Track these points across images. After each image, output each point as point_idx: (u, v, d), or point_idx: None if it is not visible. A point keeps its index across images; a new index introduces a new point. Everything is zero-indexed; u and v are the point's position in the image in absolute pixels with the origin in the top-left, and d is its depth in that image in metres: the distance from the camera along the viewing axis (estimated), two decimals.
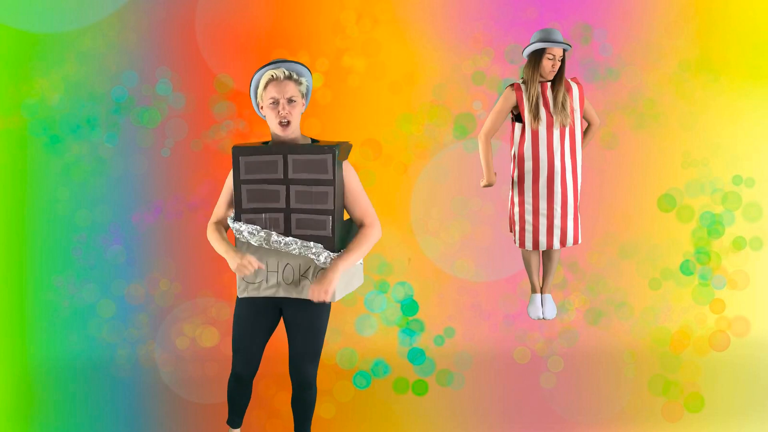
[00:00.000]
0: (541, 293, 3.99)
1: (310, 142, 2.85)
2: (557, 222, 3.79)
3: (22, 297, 4.24)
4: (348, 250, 2.80)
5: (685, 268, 4.41)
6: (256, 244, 2.78)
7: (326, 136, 4.37)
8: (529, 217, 3.80)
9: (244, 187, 2.78)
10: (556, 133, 3.74)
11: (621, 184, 4.45)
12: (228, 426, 3.18)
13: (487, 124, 3.85)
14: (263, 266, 2.78)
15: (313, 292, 2.72)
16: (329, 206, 2.77)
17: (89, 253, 4.28)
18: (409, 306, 4.31)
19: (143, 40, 4.24)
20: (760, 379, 3.93)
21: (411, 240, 4.47)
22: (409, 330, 4.29)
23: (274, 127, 2.75)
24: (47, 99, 4.17)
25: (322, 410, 3.66)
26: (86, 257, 4.28)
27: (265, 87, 2.74)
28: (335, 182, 2.74)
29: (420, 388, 3.85)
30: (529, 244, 3.83)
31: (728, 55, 4.43)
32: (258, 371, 3.02)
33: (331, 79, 4.35)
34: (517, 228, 3.85)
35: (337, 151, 2.74)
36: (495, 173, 3.88)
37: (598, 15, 4.38)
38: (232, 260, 2.73)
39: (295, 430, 3.15)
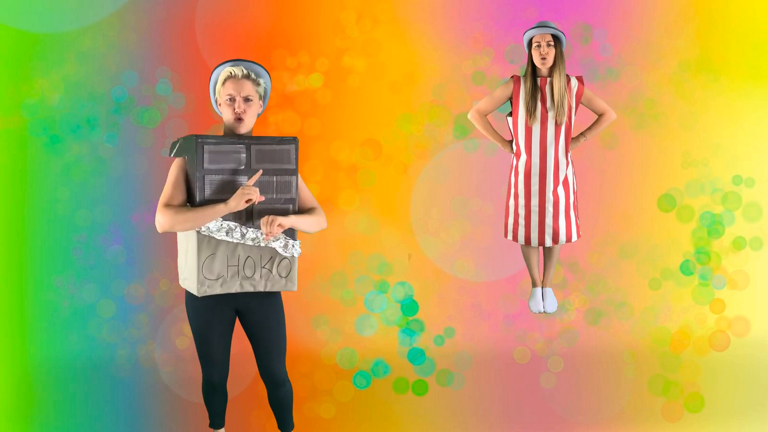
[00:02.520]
0: (542, 287, 3.99)
1: (264, 137, 2.88)
2: (548, 220, 3.76)
3: (22, 297, 4.24)
4: (302, 215, 2.83)
5: (685, 268, 4.41)
6: (218, 237, 2.75)
7: (326, 136, 4.39)
8: (521, 212, 3.78)
9: (207, 178, 2.74)
10: (551, 129, 3.71)
11: (621, 184, 4.45)
12: (211, 429, 3.17)
13: (480, 103, 3.84)
14: (260, 197, 2.73)
15: (266, 226, 2.70)
16: (293, 195, 2.82)
17: (89, 253, 4.28)
18: (409, 306, 4.31)
19: (143, 40, 4.24)
20: (760, 379, 3.93)
21: (411, 240, 4.47)
22: (409, 330, 4.29)
23: (230, 122, 2.76)
24: (47, 99, 4.18)
25: (322, 410, 3.66)
26: (86, 257, 4.28)
27: (223, 83, 2.77)
28: (296, 171, 2.81)
29: (420, 388, 3.85)
30: (521, 239, 3.82)
31: (728, 55, 4.43)
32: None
33: (331, 79, 4.35)
34: (510, 220, 3.84)
35: (297, 142, 2.81)
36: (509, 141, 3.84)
37: (598, 15, 4.38)
38: (236, 199, 2.67)
39: (279, 427, 3.15)
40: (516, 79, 3.76)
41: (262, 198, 2.75)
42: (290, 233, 2.82)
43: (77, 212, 4.25)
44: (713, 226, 4.43)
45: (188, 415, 3.60)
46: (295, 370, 4.02)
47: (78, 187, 4.21)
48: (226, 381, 3.03)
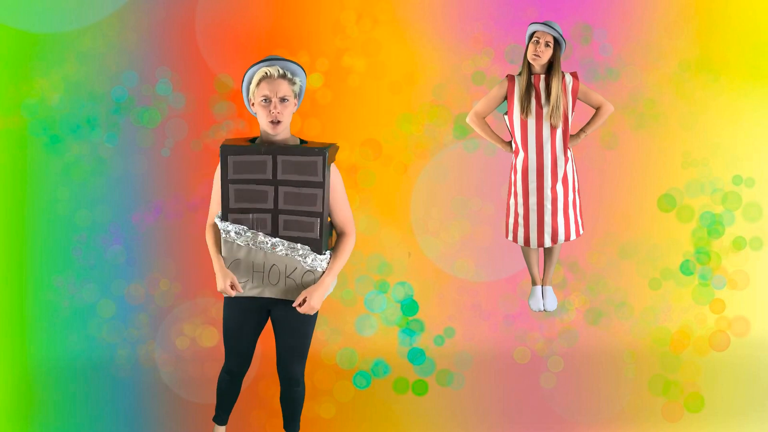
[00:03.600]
0: (542, 285, 3.98)
1: (298, 142, 2.85)
2: (547, 218, 3.73)
3: (22, 297, 4.24)
4: (333, 264, 2.86)
5: (685, 268, 4.41)
6: (242, 244, 2.80)
7: (326, 136, 4.37)
8: (521, 210, 3.75)
9: (232, 187, 2.78)
10: (546, 125, 3.69)
11: (621, 184, 4.45)
12: (214, 423, 3.18)
13: (478, 106, 3.82)
14: (242, 291, 2.81)
15: (301, 308, 2.80)
16: (318, 208, 2.78)
17: (89, 253, 4.28)
18: (409, 306, 4.31)
19: (143, 40, 4.23)
20: (760, 379, 3.93)
21: (411, 240, 4.47)
22: (409, 330, 4.29)
23: (264, 125, 2.74)
24: (47, 99, 4.17)
25: (322, 410, 3.66)
26: (86, 257, 4.28)
27: (258, 84, 2.72)
28: (324, 185, 2.75)
29: (420, 388, 3.85)
30: (520, 240, 3.80)
31: (728, 55, 4.43)
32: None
33: (331, 79, 4.35)
34: (511, 220, 3.81)
35: (327, 153, 2.74)
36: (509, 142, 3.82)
37: (598, 15, 4.38)
38: (219, 281, 2.81)
39: (284, 426, 3.16)
40: (510, 78, 3.75)
41: (241, 291, 2.82)
42: (315, 246, 2.81)
43: (77, 212, 4.25)
44: (713, 226, 4.43)
45: (188, 415, 3.60)
46: None
47: (78, 187, 4.21)
48: (244, 374, 3.05)
